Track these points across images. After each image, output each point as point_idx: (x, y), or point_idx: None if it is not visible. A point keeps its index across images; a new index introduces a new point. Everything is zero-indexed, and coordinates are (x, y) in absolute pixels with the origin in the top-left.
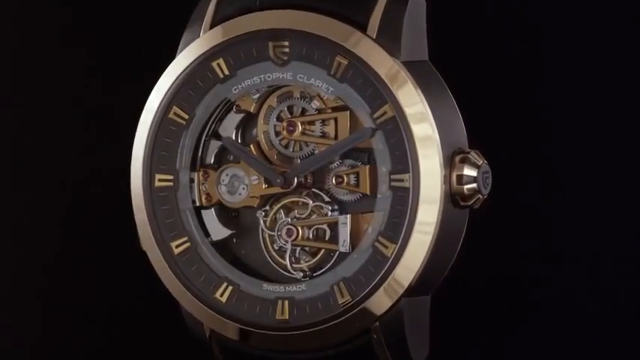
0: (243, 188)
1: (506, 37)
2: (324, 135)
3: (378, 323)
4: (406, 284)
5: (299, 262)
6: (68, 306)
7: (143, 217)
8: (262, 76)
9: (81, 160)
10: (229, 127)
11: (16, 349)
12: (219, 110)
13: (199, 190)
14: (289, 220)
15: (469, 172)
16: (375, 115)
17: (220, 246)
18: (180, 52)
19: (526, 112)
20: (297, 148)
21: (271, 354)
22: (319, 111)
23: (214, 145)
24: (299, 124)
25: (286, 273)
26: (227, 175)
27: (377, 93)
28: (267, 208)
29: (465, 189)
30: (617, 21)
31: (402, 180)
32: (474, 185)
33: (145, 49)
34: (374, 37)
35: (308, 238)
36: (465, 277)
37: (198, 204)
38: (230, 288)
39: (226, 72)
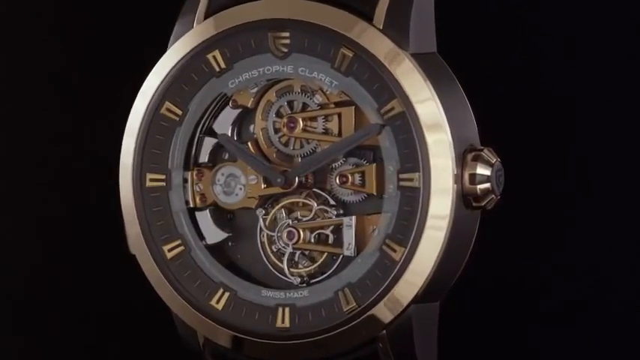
0: (240, 188)
1: (518, 27)
2: (326, 132)
3: (385, 331)
4: (415, 290)
5: (297, 267)
6: (50, 314)
7: (133, 218)
8: (261, 70)
9: (66, 159)
10: (225, 124)
11: None
12: (215, 106)
13: (193, 190)
14: (290, 221)
15: (482, 170)
16: (383, 111)
17: (215, 250)
18: (173, 44)
19: (540, 107)
20: (298, 146)
21: None
22: (321, 106)
23: (209, 143)
24: (300, 120)
25: (284, 277)
26: (223, 174)
27: (384, 87)
28: (268, 206)
29: (478, 189)
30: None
31: (411, 179)
32: (488, 185)
33: (134, 41)
34: (380, 27)
35: (310, 242)
36: (475, 282)
37: (192, 205)
38: (226, 294)
39: (222, 65)
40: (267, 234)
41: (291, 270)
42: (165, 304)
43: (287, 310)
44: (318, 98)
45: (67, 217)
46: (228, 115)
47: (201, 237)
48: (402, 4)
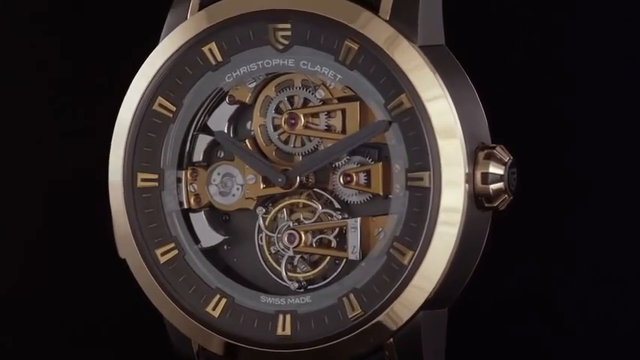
0: (238, 189)
1: (527, 18)
2: (329, 129)
3: (392, 339)
4: (425, 296)
5: (295, 271)
6: (36, 321)
7: (123, 220)
8: (260, 63)
9: (52, 157)
10: (220, 120)
11: None
12: (210, 101)
13: (187, 190)
14: (291, 223)
15: (495, 169)
16: (390, 106)
17: (210, 253)
18: (165, 35)
19: (552, 102)
20: (299, 144)
21: None
22: (324, 102)
23: (203, 141)
24: (301, 116)
25: (282, 282)
26: (219, 174)
27: (392, 81)
28: (269, 205)
29: (490, 189)
30: None
31: (420, 179)
32: (501, 185)
33: (121, 33)
34: (387, 18)
35: (311, 245)
36: (484, 287)
37: (186, 206)
38: (223, 301)
39: (219, 58)
40: (267, 234)
41: (289, 274)
42: (157, 310)
43: (288, 317)
44: (321, 93)
45: (54, 220)
46: (225, 111)
47: (196, 240)
48: None
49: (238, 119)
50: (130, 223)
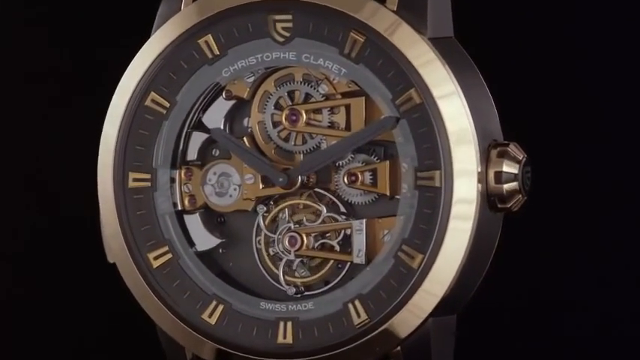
0: (235, 189)
1: (538, 8)
2: (332, 125)
3: (399, 348)
4: (435, 301)
5: (293, 275)
6: (21, 329)
7: (113, 222)
8: (259, 56)
9: (37, 155)
10: (216, 117)
11: None
12: (206, 97)
13: (181, 191)
14: (292, 225)
15: (509, 168)
16: (398, 102)
17: (205, 258)
18: (158, 27)
19: (565, 97)
20: (300, 142)
21: None
22: (327, 97)
23: (198, 138)
24: (303, 112)
25: (279, 286)
26: (215, 173)
27: (400, 75)
28: (271, 203)
29: (504, 189)
30: None
31: (431, 178)
32: (515, 184)
33: (112, 24)
34: (394, 9)
35: (313, 248)
36: (494, 293)
37: (180, 208)
38: (220, 307)
39: (216, 51)
40: (266, 235)
41: (287, 278)
42: (149, 317)
43: (289, 324)
44: (324, 88)
45: (39, 222)
46: (221, 106)
47: (191, 243)
48: None
49: (234, 116)
50: (121, 225)
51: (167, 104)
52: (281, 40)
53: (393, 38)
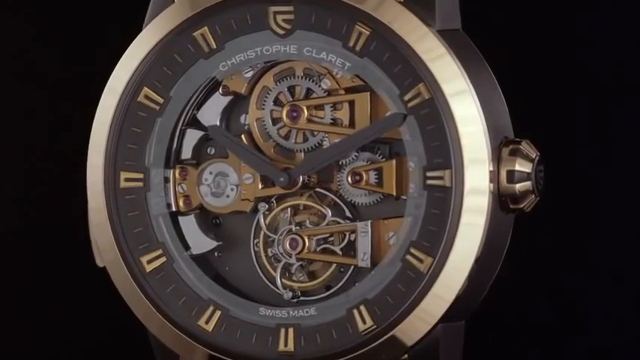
0: (232, 189)
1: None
2: (335, 122)
3: (407, 356)
4: (445, 306)
5: (291, 279)
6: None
7: (104, 225)
8: (258, 50)
9: (23, 155)
10: (212, 113)
11: None
12: (201, 92)
13: (176, 191)
14: (293, 227)
15: (522, 167)
16: (406, 97)
17: (200, 261)
18: (150, 19)
19: (578, 92)
20: (301, 139)
21: None
22: (329, 92)
23: (192, 136)
24: (304, 108)
25: (275, 288)
26: (211, 173)
27: (408, 69)
28: (273, 202)
29: (516, 188)
30: None
31: (440, 177)
32: (528, 184)
33: (101, 16)
34: (401, 0)
35: (315, 251)
36: (504, 298)
37: (174, 209)
38: (217, 313)
39: (213, 45)
40: (265, 235)
41: (284, 281)
42: (141, 324)
43: (291, 331)
44: (327, 83)
45: (24, 225)
46: (217, 103)
47: (186, 246)
48: None
49: (231, 112)
50: (112, 227)
51: (161, 100)
52: (281, 32)
53: (400, 31)
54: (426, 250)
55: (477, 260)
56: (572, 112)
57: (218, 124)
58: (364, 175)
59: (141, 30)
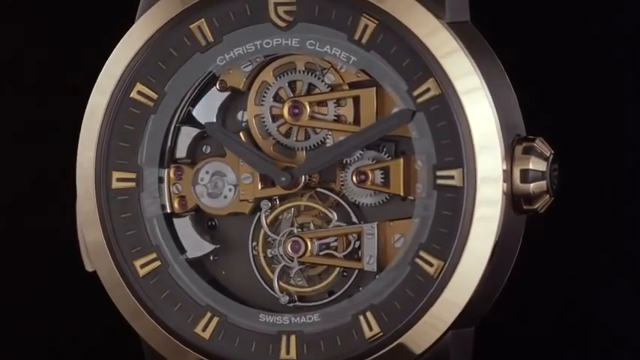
0: (230, 189)
1: None
2: (338, 119)
3: None
4: (457, 312)
5: (288, 282)
6: None
7: (94, 227)
8: (258, 43)
9: (7, 154)
10: (208, 110)
11: None
12: (197, 87)
13: (170, 192)
14: (295, 229)
15: (536, 165)
16: (416, 93)
17: (195, 265)
18: (143, 11)
19: (591, 87)
20: (302, 137)
21: None
22: (333, 88)
23: (187, 134)
24: (306, 105)
25: (271, 291)
26: (207, 172)
27: (417, 64)
28: (276, 201)
29: (531, 188)
30: None
31: (451, 177)
32: (542, 183)
33: (91, 8)
34: None
35: (318, 254)
36: (515, 303)
37: (169, 210)
38: (215, 320)
39: (210, 38)
40: (265, 234)
41: (281, 284)
42: (134, 331)
43: (293, 338)
44: (330, 78)
45: (8, 227)
46: (214, 98)
47: (182, 249)
48: None
49: (227, 109)
50: (104, 229)
51: (155, 96)
52: (283, 25)
53: (409, 23)
54: (436, 253)
55: (490, 263)
56: (585, 108)
57: (215, 121)
58: (370, 175)
59: (133, 23)
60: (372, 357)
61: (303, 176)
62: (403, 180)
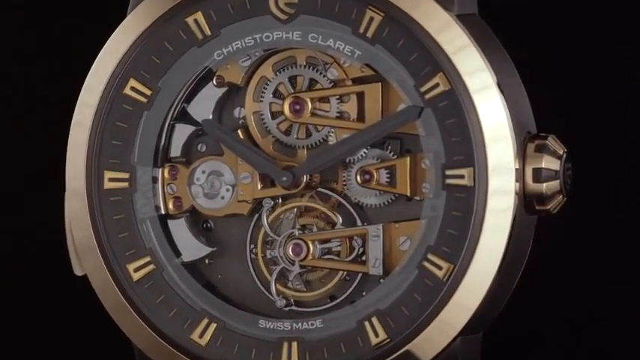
0: (228, 190)
1: None
2: (341, 116)
3: None
4: (467, 317)
5: (286, 285)
6: None
7: (85, 229)
8: (258, 37)
9: None
10: (204, 107)
11: None
12: (193, 83)
13: (165, 192)
14: (296, 231)
15: (550, 164)
16: (423, 89)
17: (189, 269)
18: (136, 4)
19: (603, 83)
20: (303, 135)
21: None
22: (335, 83)
23: (182, 131)
24: (308, 101)
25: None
26: (203, 172)
27: (426, 58)
28: (279, 200)
29: (544, 188)
30: None
31: (461, 176)
32: (556, 183)
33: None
34: None
35: (320, 257)
36: (523, 308)
37: (163, 212)
38: (213, 326)
39: (207, 31)
40: (265, 234)
41: (277, 286)
42: (127, 337)
43: (294, 345)
44: (334, 73)
45: None
46: (210, 95)
47: (177, 253)
48: None
49: (223, 105)
50: (95, 232)
51: (148, 92)
52: (284, 17)
53: (417, 16)
54: (445, 256)
55: (501, 266)
56: (597, 106)
57: (211, 117)
58: (375, 174)
59: (125, 15)
60: None
61: (304, 176)
62: (410, 179)
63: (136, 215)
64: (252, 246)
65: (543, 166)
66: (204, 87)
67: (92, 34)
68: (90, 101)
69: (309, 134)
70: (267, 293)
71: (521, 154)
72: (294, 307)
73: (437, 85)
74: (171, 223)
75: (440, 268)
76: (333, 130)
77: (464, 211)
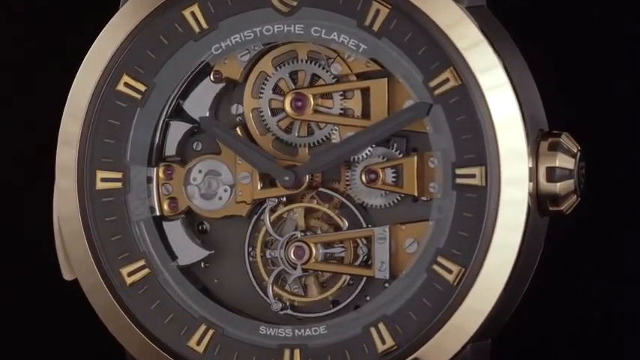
0: (225, 190)
1: None
2: (344, 113)
3: None
4: (479, 322)
5: (283, 288)
6: None
7: (76, 231)
8: (257, 30)
9: None
10: (200, 103)
11: None
12: (189, 78)
13: (159, 193)
14: (299, 233)
15: (564, 163)
16: (432, 84)
17: (186, 273)
18: None
19: (616, 79)
20: (305, 133)
21: None
22: (339, 79)
23: (177, 129)
24: (310, 97)
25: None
26: (200, 171)
27: (435, 52)
28: (283, 200)
29: (558, 188)
30: None
31: (472, 175)
32: (570, 182)
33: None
34: None
35: (323, 261)
36: (533, 313)
37: (158, 213)
38: (210, 332)
39: (204, 24)
40: (266, 233)
41: (275, 289)
42: (120, 344)
43: (297, 352)
44: (337, 68)
45: None
46: (207, 91)
47: (173, 256)
48: None
49: (220, 102)
50: (87, 234)
51: (143, 88)
52: (285, 9)
53: (425, 8)
54: (455, 259)
55: (514, 269)
56: (610, 101)
57: (207, 114)
58: (380, 174)
59: (117, 8)
60: None
61: (307, 175)
62: (417, 179)
63: (130, 217)
64: (250, 249)
65: (557, 164)
66: (201, 83)
67: (90, 27)
68: (81, 99)
69: (310, 132)
70: (264, 296)
71: (535, 153)
72: (289, 311)
73: (447, 81)
74: (166, 224)
75: (450, 271)
76: (336, 127)
77: (475, 212)
